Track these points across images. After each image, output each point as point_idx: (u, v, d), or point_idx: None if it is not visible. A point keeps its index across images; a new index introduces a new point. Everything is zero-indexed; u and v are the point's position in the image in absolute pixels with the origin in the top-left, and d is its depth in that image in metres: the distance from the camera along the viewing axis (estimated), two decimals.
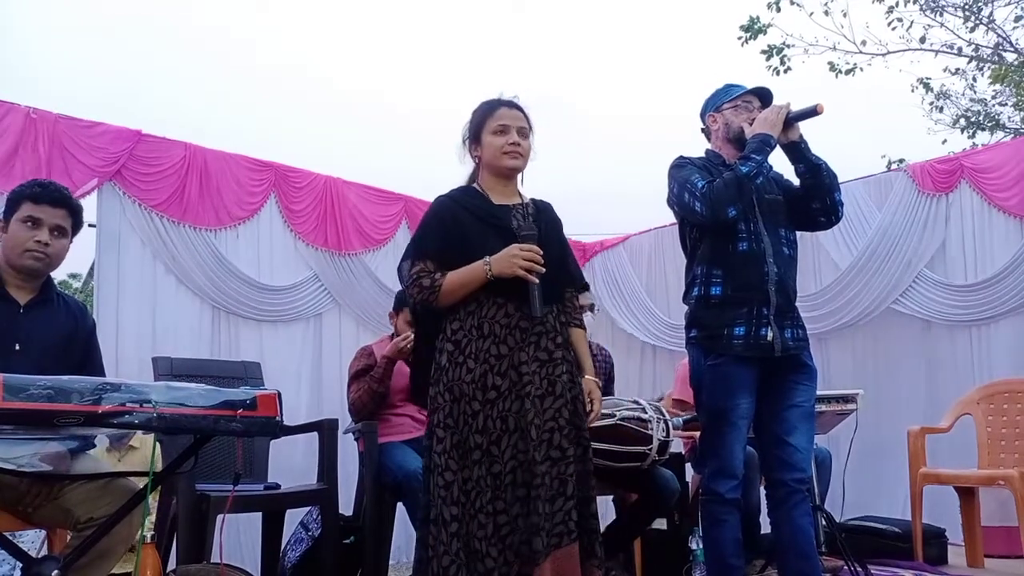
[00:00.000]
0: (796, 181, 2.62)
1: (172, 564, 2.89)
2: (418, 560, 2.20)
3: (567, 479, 2.08)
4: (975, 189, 4.62)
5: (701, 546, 2.90)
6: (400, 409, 3.28)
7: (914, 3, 9.42)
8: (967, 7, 9.45)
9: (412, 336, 2.78)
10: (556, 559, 2.04)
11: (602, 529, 2.33)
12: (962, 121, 10.20)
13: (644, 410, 2.88)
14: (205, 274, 4.29)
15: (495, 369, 2.14)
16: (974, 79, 10.00)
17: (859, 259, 4.88)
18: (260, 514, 3.34)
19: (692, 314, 2.59)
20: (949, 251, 4.70)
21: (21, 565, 1.94)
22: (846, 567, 3.08)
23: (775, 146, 2.46)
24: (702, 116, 2.70)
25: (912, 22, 9.53)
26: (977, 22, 9.56)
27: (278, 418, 1.78)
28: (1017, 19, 9.25)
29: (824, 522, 3.18)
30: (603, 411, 2.75)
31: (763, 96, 2.60)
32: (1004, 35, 9.59)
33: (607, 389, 3.62)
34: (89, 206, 3.85)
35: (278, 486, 3.21)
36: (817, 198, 2.56)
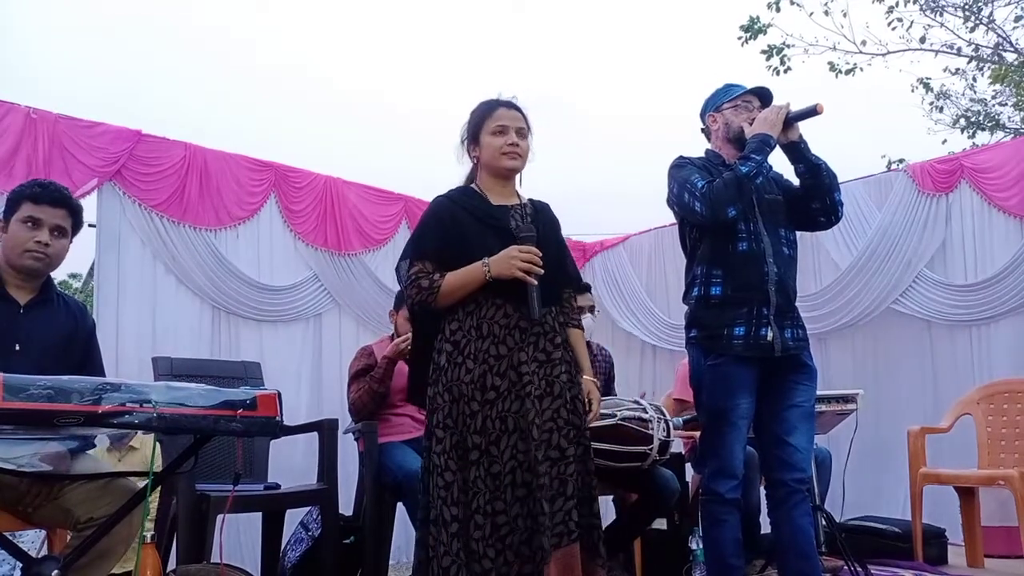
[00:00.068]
0: (796, 181, 2.62)
1: (172, 564, 2.89)
2: (418, 561, 2.20)
3: (567, 479, 2.08)
4: (975, 189, 4.62)
5: (701, 546, 2.90)
6: (400, 409, 3.28)
7: (914, 3, 9.43)
8: (967, 7, 9.45)
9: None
10: (556, 559, 2.03)
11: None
12: (962, 121, 10.20)
13: (645, 410, 2.88)
14: (205, 274, 4.29)
15: (494, 369, 2.14)
16: (974, 79, 10.02)
17: (859, 259, 4.88)
18: (260, 514, 3.34)
19: (692, 314, 2.58)
20: (949, 251, 4.70)
21: (21, 565, 1.94)
22: (846, 567, 3.08)
23: (775, 146, 2.46)
24: (702, 116, 2.70)
25: (912, 22, 9.54)
26: (977, 22, 9.56)
27: (278, 418, 1.78)
28: (1017, 19, 9.26)
29: (824, 522, 3.18)
30: (604, 411, 2.75)
31: (763, 96, 2.60)
32: (1004, 35, 9.60)
33: (607, 389, 3.62)
34: (89, 206, 3.86)
35: (278, 486, 3.21)
36: (817, 198, 2.56)
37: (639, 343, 5.94)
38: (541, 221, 2.34)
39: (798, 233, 2.65)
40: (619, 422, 2.81)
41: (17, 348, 2.19)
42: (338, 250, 4.80)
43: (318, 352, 4.72)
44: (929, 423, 3.95)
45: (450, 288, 2.20)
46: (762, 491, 2.93)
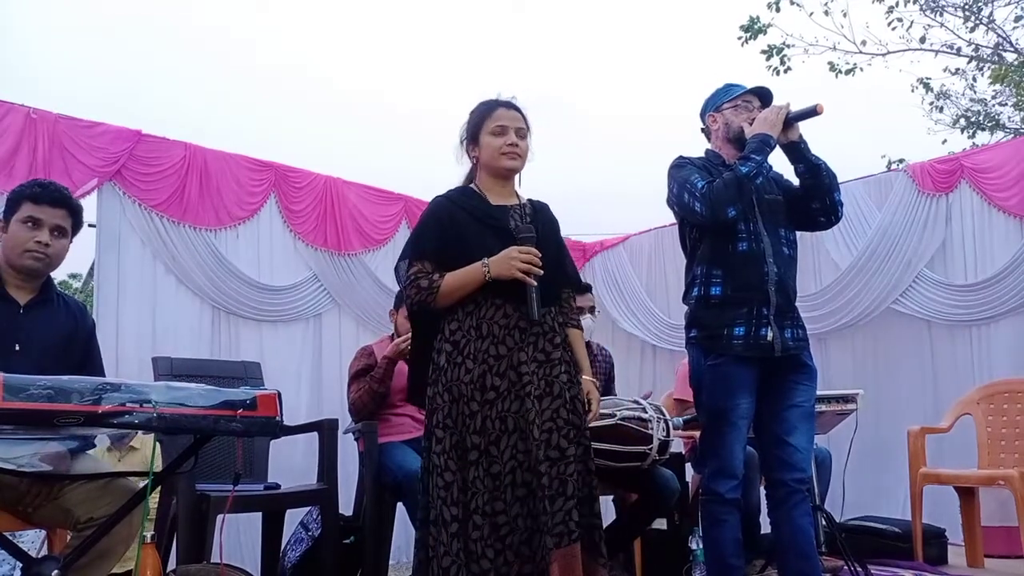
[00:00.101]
0: (796, 181, 2.62)
1: (172, 564, 2.89)
2: (418, 561, 2.19)
3: (567, 479, 2.08)
4: (975, 189, 4.62)
5: (701, 546, 2.90)
6: (400, 409, 3.28)
7: (914, 3, 9.43)
8: (967, 7, 9.45)
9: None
10: (557, 559, 2.03)
11: None
12: (962, 121, 10.20)
13: (644, 410, 2.88)
14: (205, 274, 4.30)
15: (494, 370, 2.14)
16: (974, 79, 10.02)
17: (859, 259, 4.88)
18: (260, 514, 3.34)
19: (692, 314, 2.58)
20: (949, 251, 4.71)
21: (21, 565, 1.94)
22: (846, 567, 3.08)
23: (775, 146, 2.46)
24: (702, 116, 2.70)
25: (912, 22, 9.54)
26: (977, 22, 9.56)
27: (278, 418, 1.78)
28: (1017, 19, 9.26)
29: (824, 522, 3.18)
30: (603, 411, 2.75)
31: (763, 96, 2.60)
32: (1004, 35, 9.60)
33: (608, 389, 3.62)
34: (89, 206, 3.86)
35: (278, 486, 3.21)
36: (817, 198, 2.56)
37: (639, 343, 5.94)
38: (540, 221, 2.34)
39: (798, 233, 2.65)
40: (619, 422, 2.81)
41: (17, 348, 2.19)
42: (338, 250, 4.80)
43: (318, 352, 4.73)
44: (929, 423, 3.95)
45: (449, 288, 2.20)
46: (762, 491, 2.93)
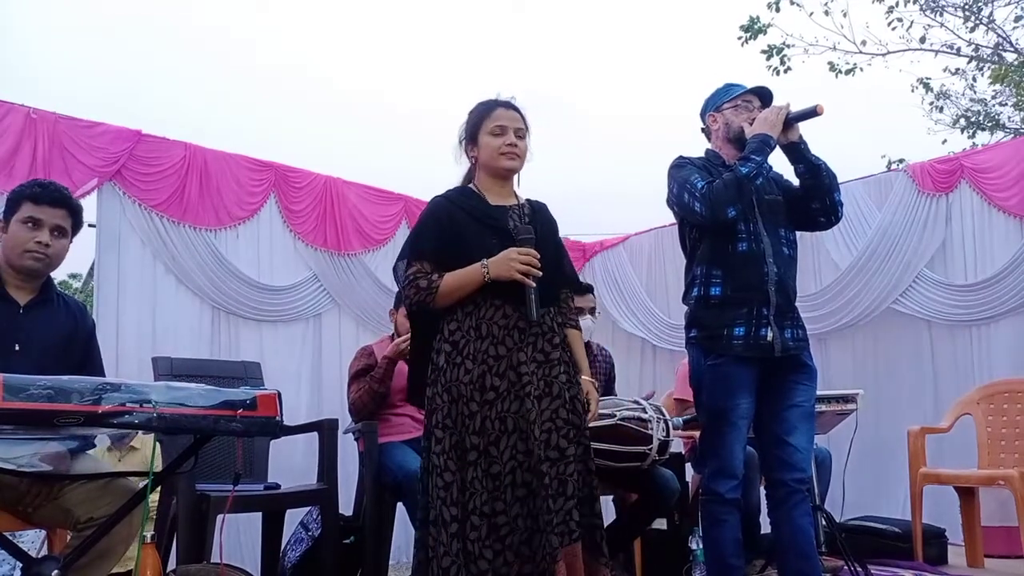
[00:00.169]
0: (796, 181, 2.62)
1: (172, 564, 2.89)
2: (418, 561, 2.19)
3: (567, 479, 2.08)
4: (975, 189, 4.62)
5: (701, 546, 2.90)
6: (400, 409, 3.28)
7: (914, 3, 9.43)
8: (967, 7, 9.45)
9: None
10: (563, 558, 2.03)
11: None
12: (962, 121, 10.20)
13: (644, 410, 2.88)
14: (205, 274, 4.30)
15: (493, 370, 2.14)
16: (974, 79, 10.02)
17: (859, 259, 4.88)
18: (260, 514, 3.34)
19: (692, 314, 2.58)
20: (949, 251, 4.71)
21: (21, 565, 1.94)
22: (846, 567, 3.08)
23: (775, 147, 2.46)
24: (702, 116, 2.70)
25: (912, 22, 9.54)
26: (977, 22, 9.56)
27: (278, 418, 1.78)
28: (1017, 19, 9.26)
29: (824, 522, 3.18)
30: (603, 411, 2.75)
31: (763, 96, 2.60)
32: (1004, 35, 9.60)
33: (608, 389, 3.61)
34: (89, 206, 3.86)
35: (278, 486, 3.21)
36: (817, 198, 2.56)
37: (639, 343, 5.94)
38: (539, 221, 2.34)
39: (798, 233, 2.65)
40: (618, 422, 2.81)
41: (17, 348, 2.19)
42: (338, 250, 4.80)
43: (318, 352, 4.73)
44: (929, 423, 3.95)
45: (448, 289, 2.19)
46: (762, 491, 2.93)
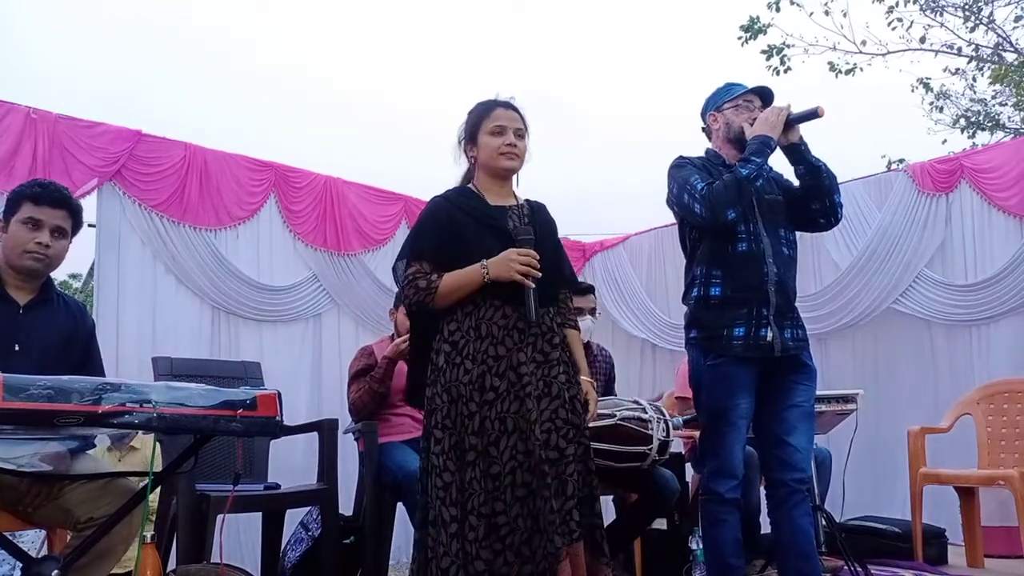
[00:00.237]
0: (796, 182, 2.61)
1: (172, 564, 2.89)
2: (417, 562, 2.19)
3: (567, 479, 2.08)
4: (975, 189, 4.62)
5: (701, 546, 2.90)
6: (400, 409, 3.27)
7: (914, 3, 9.43)
8: (967, 7, 9.45)
9: None
10: (566, 557, 2.03)
11: None
12: (962, 121, 10.20)
13: (644, 410, 2.88)
14: (205, 274, 4.30)
15: (493, 370, 2.14)
16: (974, 79, 10.02)
17: (859, 259, 4.88)
18: (260, 514, 3.34)
19: (692, 315, 2.58)
20: (949, 251, 4.70)
21: (21, 565, 1.94)
22: (846, 567, 3.08)
23: (775, 148, 2.46)
24: (703, 115, 2.70)
25: (912, 22, 9.54)
26: (977, 22, 9.56)
27: (278, 418, 1.78)
28: (1017, 19, 9.25)
29: (824, 522, 3.18)
30: (603, 411, 2.75)
31: (764, 95, 2.60)
32: (1004, 35, 9.60)
33: (608, 390, 3.61)
34: (89, 206, 3.86)
35: (278, 486, 3.21)
36: (816, 199, 2.56)
37: (639, 343, 5.94)
38: (538, 222, 2.34)
39: (798, 233, 2.65)
40: (618, 422, 2.81)
41: (17, 348, 2.19)
42: (337, 250, 4.80)
43: (318, 352, 4.73)
44: (929, 423, 3.94)
45: (448, 289, 2.19)
46: (762, 491, 2.93)
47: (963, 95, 10.23)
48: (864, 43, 9.63)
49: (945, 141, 10.15)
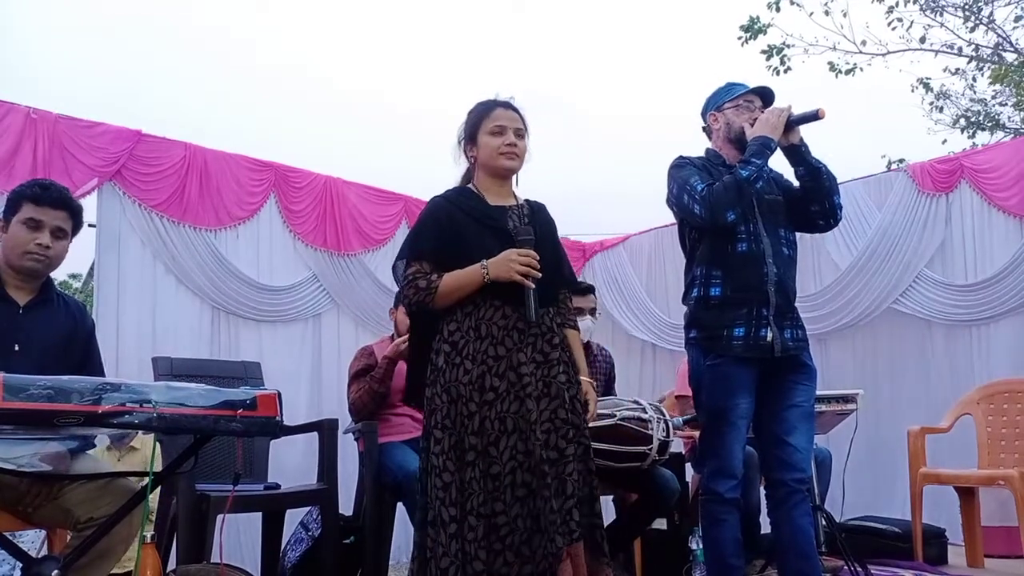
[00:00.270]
0: (796, 182, 2.61)
1: (172, 564, 2.89)
2: (417, 561, 2.19)
3: (566, 479, 2.08)
4: (975, 189, 4.62)
5: (701, 546, 2.90)
6: (400, 409, 3.28)
7: (914, 3, 9.43)
8: (967, 7, 9.45)
9: None
10: (566, 557, 2.03)
11: None
12: (962, 121, 10.21)
13: (644, 410, 2.88)
14: (205, 274, 4.30)
15: (493, 370, 2.14)
16: (974, 79, 10.02)
17: (859, 259, 4.88)
18: (260, 514, 3.34)
19: (692, 315, 2.58)
20: (949, 251, 4.71)
21: (21, 565, 1.94)
22: (846, 567, 3.08)
23: (775, 149, 2.46)
24: (703, 115, 2.69)
25: (912, 22, 9.55)
26: (977, 22, 9.56)
27: (278, 418, 1.78)
28: (1017, 19, 9.26)
29: (824, 522, 3.18)
30: (603, 411, 2.75)
31: (765, 96, 2.60)
32: (1004, 35, 9.60)
33: (608, 390, 3.61)
34: (89, 206, 3.86)
35: (278, 486, 3.21)
36: (816, 200, 2.56)
37: (639, 343, 5.94)
38: (538, 222, 2.34)
39: (798, 234, 2.65)
40: (618, 422, 2.81)
41: (17, 348, 2.19)
42: (337, 250, 4.80)
43: (318, 352, 4.73)
44: (929, 423, 3.95)
45: (448, 289, 2.19)
46: (762, 491, 2.93)
47: (963, 95, 10.25)
48: (864, 43, 9.65)
49: (945, 141, 10.18)
